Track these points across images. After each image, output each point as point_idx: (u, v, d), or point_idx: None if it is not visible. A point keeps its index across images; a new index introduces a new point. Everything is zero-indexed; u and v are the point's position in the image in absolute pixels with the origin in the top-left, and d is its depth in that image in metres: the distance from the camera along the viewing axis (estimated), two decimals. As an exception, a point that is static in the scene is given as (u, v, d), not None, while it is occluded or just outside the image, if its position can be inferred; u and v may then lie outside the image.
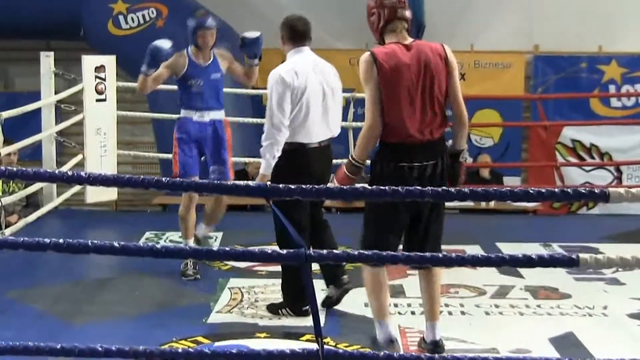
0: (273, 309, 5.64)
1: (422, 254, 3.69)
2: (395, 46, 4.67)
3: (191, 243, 6.61)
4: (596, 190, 3.46)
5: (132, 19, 10.52)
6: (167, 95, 9.61)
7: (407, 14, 4.74)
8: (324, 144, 5.64)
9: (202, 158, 6.75)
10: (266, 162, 5.51)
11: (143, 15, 10.57)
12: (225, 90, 8.68)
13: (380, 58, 4.61)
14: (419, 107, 4.64)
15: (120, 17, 10.55)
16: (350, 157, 4.73)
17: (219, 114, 6.69)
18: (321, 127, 5.61)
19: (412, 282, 6.29)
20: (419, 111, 4.64)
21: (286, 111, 5.45)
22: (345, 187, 3.65)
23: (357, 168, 4.67)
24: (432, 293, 4.87)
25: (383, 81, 4.60)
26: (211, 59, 6.61)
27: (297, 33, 5.62)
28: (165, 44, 6.38)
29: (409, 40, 4.73)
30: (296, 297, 5.54)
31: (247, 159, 9.45)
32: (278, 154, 5.47)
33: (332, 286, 5.73)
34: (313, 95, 5.53)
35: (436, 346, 4.83)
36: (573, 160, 11.08)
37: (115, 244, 3.30)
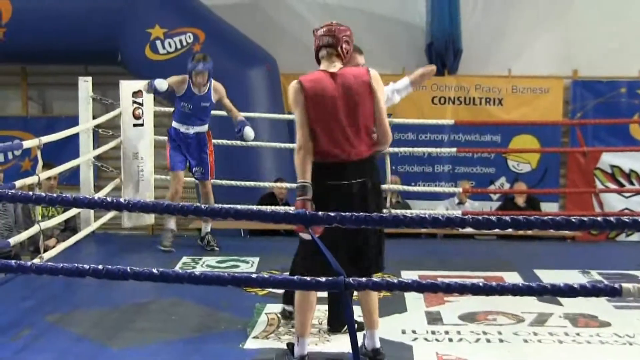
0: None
1: (462, 282, 3.65)
2: (322, 74, 4.98)
3: (172, 222, 8.35)
4: (640, 219, 3.42)
5: (170, 44, 10.60)
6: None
7: (331, 40, 5.00)
8: None
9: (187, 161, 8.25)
10: None
11: (180, 40, 10.66)
12: (262, 115, 9.00)
13: (306, 85, 4.92)
14: (343, 130, 4.92)
15: (158, 42, 10.63)
16: (298, 181, 4.96)
17: (202, 129, 8.18)
18: None
19: (449, 309, 6.26)
20: (344, 133, 4.93)
21: None
22: (383, 216, 3.65)
23: (304, 187, 4.87)
24: (368, 303, 5.08)
25: (310, 106, 4.91)
26: (206, 90, 8.02)
27: None
28: (162, 85, 7.86)
29: (337, 67, 5.00)
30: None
31: (285, 184, 9.51)
32: None
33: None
34: None
35: (377, 354, 5.07)
36: (612, 186, 10.98)
37: (155, 271, 3.30)
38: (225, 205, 3.61)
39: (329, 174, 4.92)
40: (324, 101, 4.90)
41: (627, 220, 3.39)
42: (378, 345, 5.09)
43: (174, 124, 8.16)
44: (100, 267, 3.37)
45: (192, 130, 8.11)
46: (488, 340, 5.66)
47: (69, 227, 8.87)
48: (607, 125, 11.00)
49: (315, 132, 4.92)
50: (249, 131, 8.00)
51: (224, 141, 9.07)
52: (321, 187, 4.90)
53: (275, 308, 6.15)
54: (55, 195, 3.79)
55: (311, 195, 4.83)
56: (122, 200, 3.41)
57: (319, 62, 5.09)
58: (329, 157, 4.92)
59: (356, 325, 5.02)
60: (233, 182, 9.16)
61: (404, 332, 5.73)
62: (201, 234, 8.46)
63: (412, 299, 6.40)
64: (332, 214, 3.31)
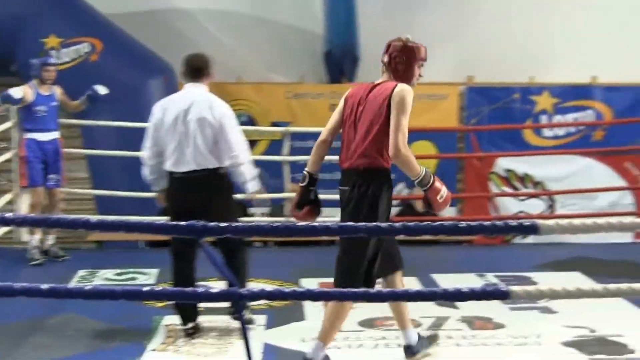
0: None
1: (355, 290, 3.68)
2: (368, 84, 5.18)
3: (36, 238, 8.34)
4: (526, 223, 3.51)
5: (66, 53, 10.41)
6: (102, 131, 9.55)
7: (384, 58, 5.18)
8: (180, 175, 5.81)
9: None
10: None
11: (77, 50, 10.47)
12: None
13: (348, 93, 5.22)
14: (351, 137, 5.08)
15: (53, 52, 10.43)
16: None
17: (56, 134, 8.47)
18: (180, 158, 5.80)
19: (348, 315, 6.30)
20: (350, 140, 5.09)
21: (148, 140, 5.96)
22: (279, 225, 3.66)
23: (303, 175, 5.23)
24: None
25: (343, 109, 5.17)
26: (50, 91, 8.40)
27: (189, 69, 5.99)
28: (17, 93, 8.24)
29: (381, 80, 5.14)
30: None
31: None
32: (152, 177, 6.01)
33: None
34: (169, 128, 5.82)
35: (405, 350, 5.33)
36: (507, 189, 11.19)
37: (43, 287, 3.24)
38: (117, 218, 3.58)
39: (340, 178, 5.14)
40: (347, 109, 5.12)
41: (513, 224, 3.47)
42: (406, 342, 5.33)
43: (30, 134, 8.32)
44: (-15, 283, 3.29)
45: (50, 136, 8.36)
46: (387, 345, 5.74)
47: (-39, 242, 8.65)
48: (501, 130, 11.20)
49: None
50: (99, 87, 8.59)
51: (129, 153, 8.97)
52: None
53: (174, 319, 6.10)
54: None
55: (306, 184, 5.18)
56: (9, 215, 3.34)
57: None
58: (339, 160, 5.14)
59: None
60: (138, 194, 9.03)
61: (303, 340, 5.75)
62: (43, 247, 8.48)
63: (311, 307, 6.43)
64: (222, 224, 3.30)
